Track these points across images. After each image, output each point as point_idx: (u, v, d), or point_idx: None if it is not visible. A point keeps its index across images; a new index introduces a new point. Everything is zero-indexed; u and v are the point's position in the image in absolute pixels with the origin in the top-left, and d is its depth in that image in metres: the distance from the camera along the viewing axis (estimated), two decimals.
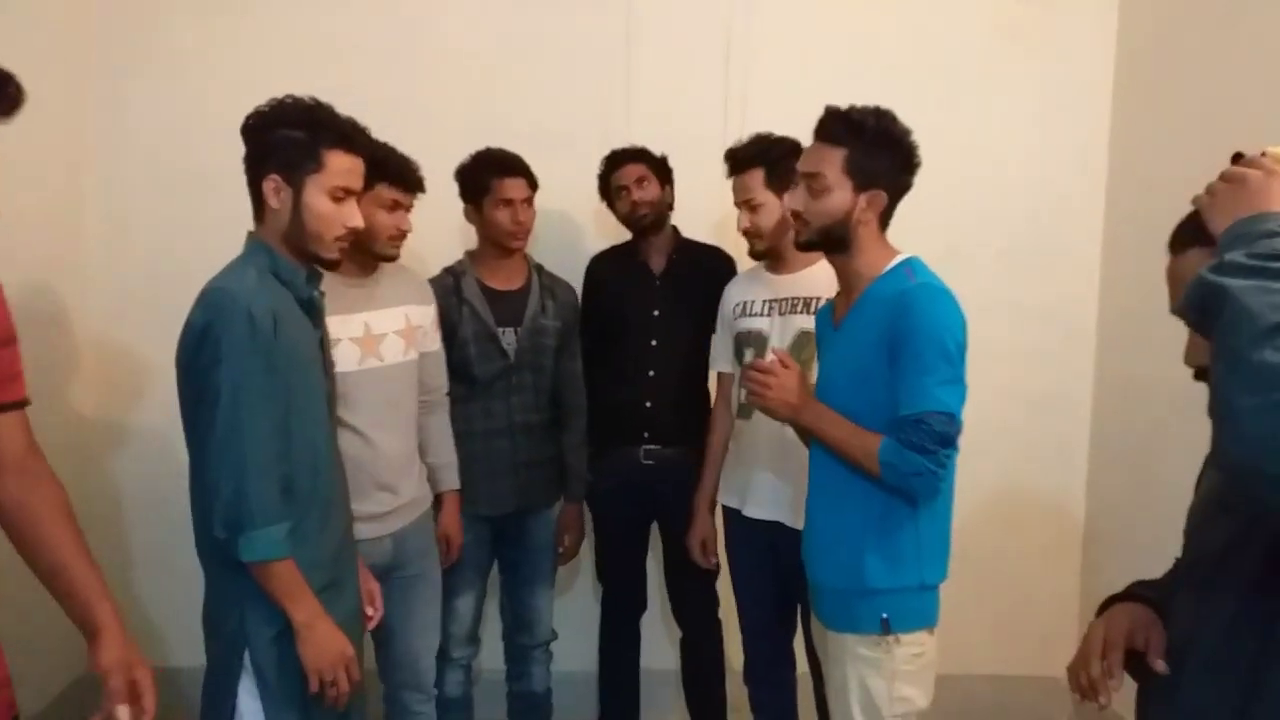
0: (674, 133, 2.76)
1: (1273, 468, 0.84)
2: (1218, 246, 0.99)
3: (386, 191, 2.16)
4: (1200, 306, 0.95)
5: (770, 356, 1.84)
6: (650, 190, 2.64)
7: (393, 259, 2.25)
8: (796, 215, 1.84)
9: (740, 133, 2.46)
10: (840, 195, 1.77)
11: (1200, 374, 1.14)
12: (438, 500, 2.42)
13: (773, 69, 3.00)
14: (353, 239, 1.80)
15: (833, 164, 1.77)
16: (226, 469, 1.60)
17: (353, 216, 1.76)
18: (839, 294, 1.91)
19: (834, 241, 1.81)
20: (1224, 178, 1.05)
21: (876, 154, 1.76)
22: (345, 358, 2.11)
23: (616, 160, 2.67)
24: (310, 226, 1.72)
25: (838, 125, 1.77)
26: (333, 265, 1.79)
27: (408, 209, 2.24)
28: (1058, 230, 3.09)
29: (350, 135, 1.74)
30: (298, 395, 1.69)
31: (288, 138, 1.68)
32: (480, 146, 2.52)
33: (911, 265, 1.79)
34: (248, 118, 1.71)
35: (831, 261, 1.87)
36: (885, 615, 1.74)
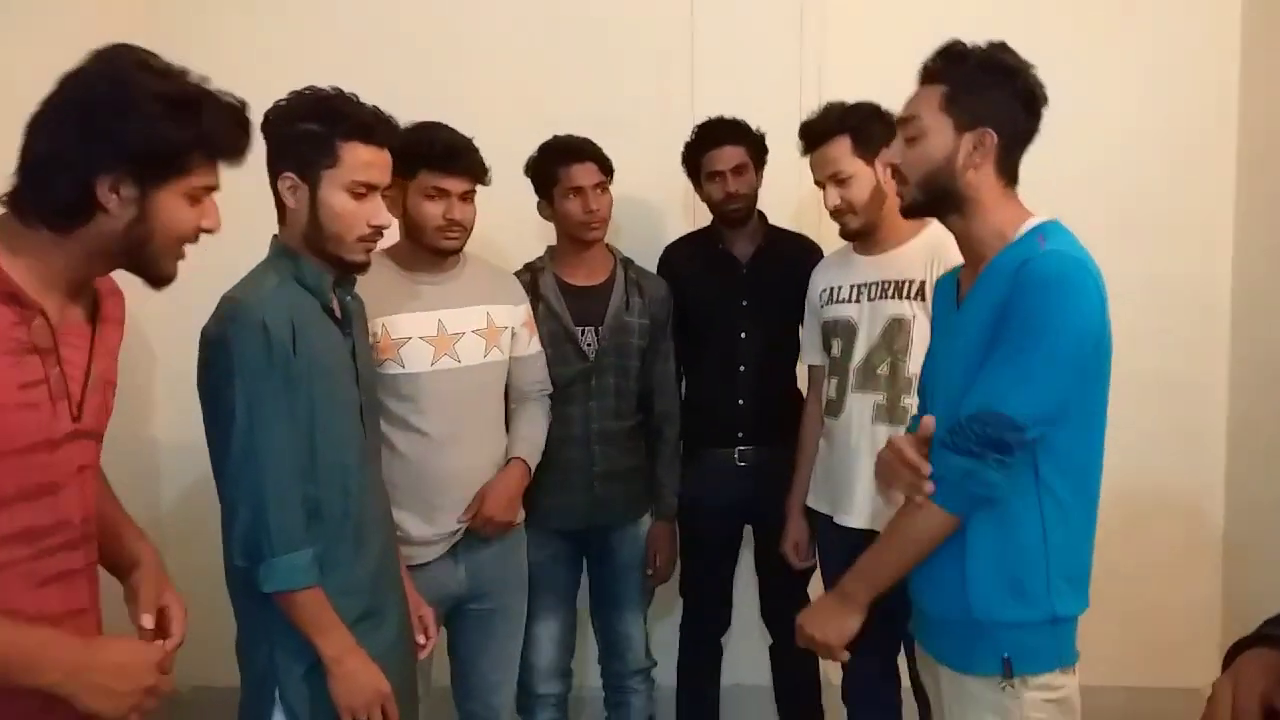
0: (743, 115, 2.53)
1: None
2: None
3: (426, 178, 2.00)
4: None
5: None
6: (747, 180, 2.46)
7: (449, 252, 2.07)
8: (895, 171, 1.59)
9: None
10: (938, 137, 1.51)
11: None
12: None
13: (850, 43, 2.81)
14: (379, 238, 1.67)
15: (930, 103, 1.52)
16: (243, 493, 1.51)
17: (377, 214, 1.63)
18: (964, 267, 1.64)
19: (941, 198, 1.53)
20: None
21: (981, 87, 1.50)
22: (416, 357, 2.00)
23: (712, 137, 2.46)
24: (329, 226, 1.60)
25: (936, 60, 1.54)
26: (359, 268, 1.67)
27: (462, 197, 2.03)
28: (1183, 198, 2.85)
29: (370, 125, 1.61)
30: (323, 410, 1.58)
31: (302, 131, 1.57)
32: (537, 137, 2.37)
33: (1046, 231, 1.48)
34: (266, 113, 1.60)
35: (949, 227, 1.59)
36: (1006, 655, 1.46)
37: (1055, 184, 2.51)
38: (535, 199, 2.39)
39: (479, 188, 2.08)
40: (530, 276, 2.38)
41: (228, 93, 1.28)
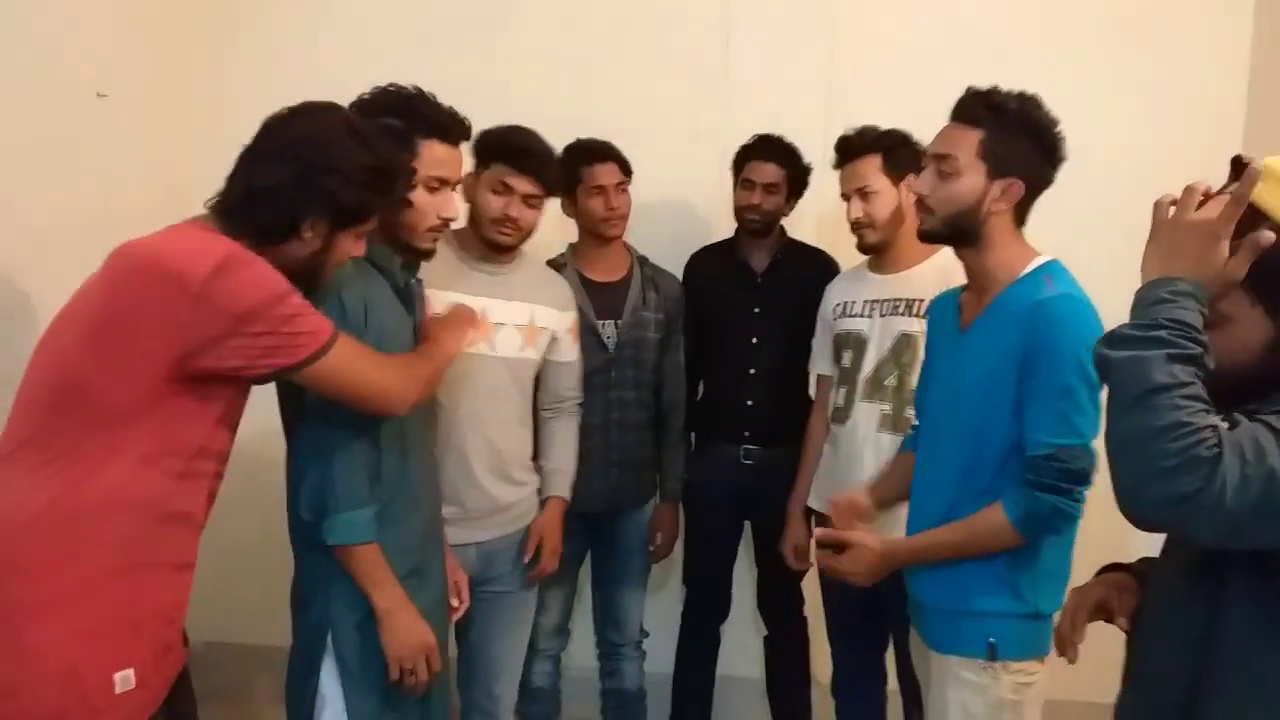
0: (772, 128, 2.63)
1: (1137, 511, 1.03)
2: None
3: (497, 171, 2.06)
4: (1099, 373, 1.09)
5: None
6: (774, 200, 2.56)
7: (501, 247, 2.11)
8: (921, 201, 1.70)
9: (842, 127, 2.36)
10: (972, 180, 1.64)
11: None
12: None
13: (878, 66, 2.89)
14: (446, 228, 1.79)
15: (967, 145, 1.64)
16: (315, 453, 1.63)
17: (447, 207, 1.75)
18: (966, 290, 1.78)
19: (961, 233, 1.68)
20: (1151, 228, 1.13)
21: (1016, 139, 1.63)
22: None
23: (761, 150, 2.57)
24: (404, 216, 1.71)
25: (976, 105, 1.65)
26: (426, 255, 1.79)
27: (526, 199, 2.07)
28: None
29: (447, 125, 1.73)
30: None
31: (383, 127, 1.67)
32: (568, 140, 2.47)
33: (1051, 271, 1.65)
34: (350, 105, 1.70)
35: (961, 257, 1.73)
36: (992, 640, 1.62)
37: (1059, 220, 2.60)
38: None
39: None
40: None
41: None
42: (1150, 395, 1.00)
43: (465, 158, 1.86)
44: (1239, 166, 1.08)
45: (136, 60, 2.71)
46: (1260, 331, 1.09)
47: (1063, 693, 2.85)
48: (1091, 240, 2.82)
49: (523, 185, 2.06)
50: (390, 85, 1.73)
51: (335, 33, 2.97)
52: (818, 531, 1.80)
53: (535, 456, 2.28)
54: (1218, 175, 1.34)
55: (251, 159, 1.47)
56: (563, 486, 2.29)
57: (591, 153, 2.45)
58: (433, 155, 1.71)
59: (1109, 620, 1.37)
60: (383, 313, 1.70)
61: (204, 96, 2.96)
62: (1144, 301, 1.07)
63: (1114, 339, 1.06)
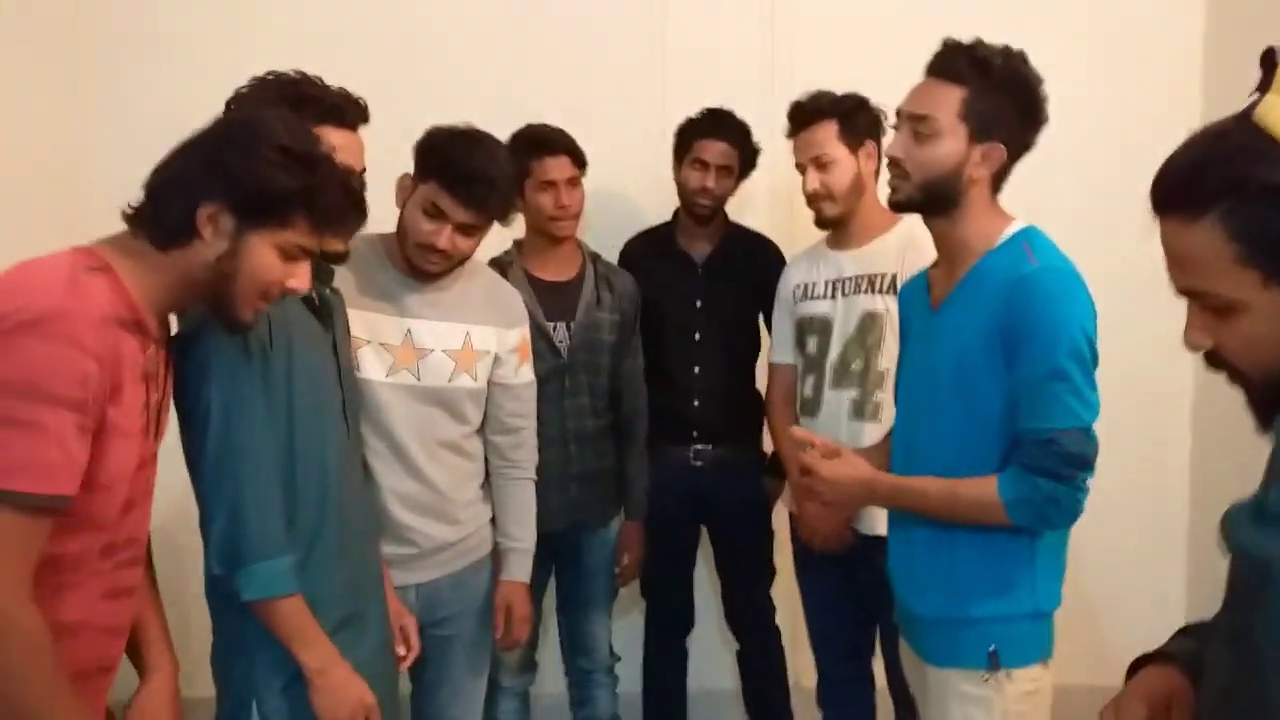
0: (712, 100, 2.48)
1: None
2: None
3: (430, 191, 1.79)
4: None
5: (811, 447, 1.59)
6: (725, 184, 2.43)
7: (425, 274, 1.86)
8: (895, 164, 1.56)
9: (787, 96, 2.23)
10: (952, 143, 1.50)
11: (1211, 358, 0.94)
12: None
13: (822, 38, 2.77)
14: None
15: (948, 105, 1.50)
16: (221, 496, 1.44)
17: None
18: (936, 266, 1.65)
19: (937, 201, 1.54)
20: None
21: (1000, 99, 1.50)
22: (370, 364, 1.81)
23: (712, 128, 2.40)
24: None
25: (959, 60, 1.51)
26: (337, 258, 1.60)
27: (461, 229, 1.80)
28: (1143, 191, 2.80)
29: (341, 107, 1.56)
30: (303, 409, 1.51)
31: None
32: (507, 129, 2.23)
33: (1030, 238, 1.52)
34: (228, 100, 1.53)
35: (931, 227, 1.59)
36: (993, 647, 1.49)
37: (1024, 181, 2.52)
38: None
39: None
40: (498, 272, 2.24)
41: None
42: None
43: (367, 142, 1.66)
44: (1270, 63, 0.86)
45: (20, 68, 2.54)
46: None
47: (1069, 677, 2.82)
48: (1063, 197, 2.75)
49: (458, 214, 1.78)
50: (269, 73, 1.57)
51: (238, 37, 2.77)
52: (797, 431, 1.66)
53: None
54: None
55: (174, 152, 1.28)
56: (523, 569, 2.05)
57: (540, 144, 2.25)
58: (327, 143, 1.49)
59: None
60: (291, 329, 1.51)
61: (94, 112, 2.77)
62: None
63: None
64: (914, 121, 1.53)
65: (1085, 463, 1.44)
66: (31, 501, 1.09)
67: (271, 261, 1.27)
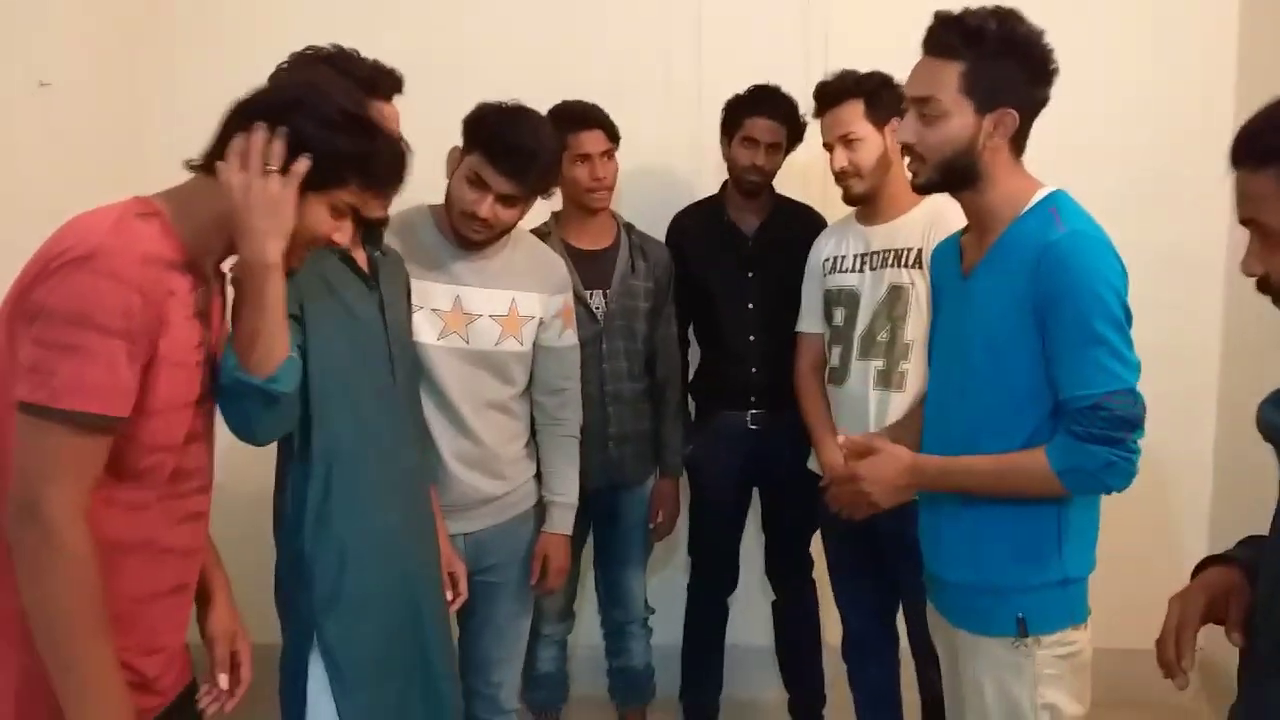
0: (749, 79, 2.51)
1: None
2: None
3: (475, 161, 1.88)
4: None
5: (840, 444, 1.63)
6: (775, 160, 2.47)
7: (469, 242, 1.96)
8: (909, 149, 1.55)
9: (823, 73, 2.26)
10: (960, 120, 1.49)
11: (1263, 284, 1.12)
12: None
13: (857, 14, 2.79)
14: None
15: (947, 83, 1.48)
16: None
17: None
18: (966, 232, 1.64)
19: (957, 178, 1.53)
20: None
21: (1001, 65, 1.47)
22: (423, 328, 1.93)
23: (763, 105, 2.44)
24: None
25: (950, 34, 1.48)
26: (378, 222, 1.68)
27: (502, 199, 1.88)
28: (1178, 165, 2.81)
29: (374, 79, 1.62)
30: (325, 354, 1.61)
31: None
32: (542, 104, 2.30)
33: (1058, 202, 1.50)
34: (270, 76, 1.56)
35: (959, 200, 1.58)
36: (1021, 615, 1.50)
37: (1051, 154, 2.53)
38: None
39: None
40: None
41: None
42: None
43: (401, 111, 1.73)
44: None
45: (81, 46, 2.61)
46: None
47: (1105, 641, 2.87)
48: (1090, 169, 2.73)
49: (500, 185, 1.87)
50: (307, 49, 1.62)
51: (286, 13, 2.82)
52: (842, 438, 1.70)
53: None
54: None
55: (232, 110, 1.31)
56: (565, 522, 2.17)
57: (575, 118, 2.32)
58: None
59: (1220, 624, 1.20)
60: (320, 309, 1.62)
61: (153, 83, 2.85)
62: None
63: None
64: (919, 104, 1.52)
65: (1136, 423, 1.43)
66: (82, 420, 1.13)
67: (324, 217, 1.34)
